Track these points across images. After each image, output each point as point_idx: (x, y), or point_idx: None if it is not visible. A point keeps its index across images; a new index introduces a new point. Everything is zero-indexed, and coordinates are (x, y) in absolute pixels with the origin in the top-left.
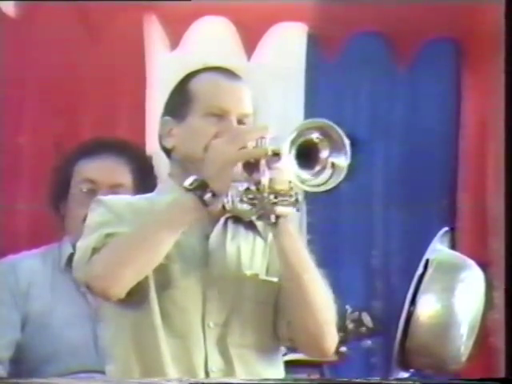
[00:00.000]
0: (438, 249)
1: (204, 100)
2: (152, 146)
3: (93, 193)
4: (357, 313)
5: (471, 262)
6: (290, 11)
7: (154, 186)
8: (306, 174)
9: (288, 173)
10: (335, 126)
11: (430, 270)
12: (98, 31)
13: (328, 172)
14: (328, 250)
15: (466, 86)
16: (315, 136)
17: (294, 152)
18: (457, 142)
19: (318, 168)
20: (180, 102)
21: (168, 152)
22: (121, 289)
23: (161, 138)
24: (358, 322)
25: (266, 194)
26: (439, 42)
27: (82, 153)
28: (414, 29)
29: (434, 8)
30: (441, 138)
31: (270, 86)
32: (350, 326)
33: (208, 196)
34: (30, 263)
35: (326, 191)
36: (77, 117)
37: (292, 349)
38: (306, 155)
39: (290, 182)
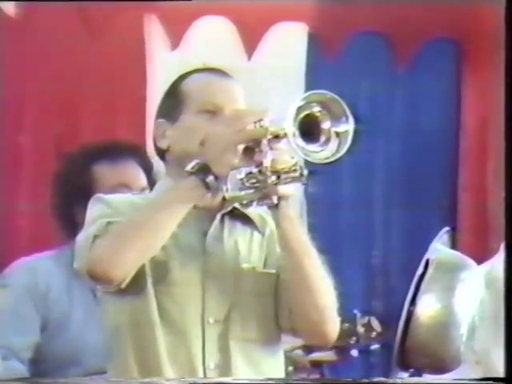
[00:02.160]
0: (439, 248)
1: (196, 98)
2: (152, 146)
3: None
4: (366, 317)
5: (471, 262)
6: (290, 11)
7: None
8: (312, 147)
9: (290, 152)
10: (335, 96)
11: (430, 270)
12: (98, 31)
13: (334, 142)
14: (328, 249)
15: (466, 86)
16: (316, 109)
17: (297, 128)
18: (457, 142)
19: (323, 139)
20: (172, 103)
21: (162, 154)
22: (122, 272)
23: (155, 140)
24: (368, 327)
25: (268, 174)
26: (439, 42)
27: (97, 157)
28: (414, 29)
29: (434, 8)
30: (441, 138)
31: (270, 85)
32: (361, 330)
33: (210, 179)
34: (47, 265)
35: (337, 161)
36: (77, 117)
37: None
38: (309, 129)
39: (292, 158)
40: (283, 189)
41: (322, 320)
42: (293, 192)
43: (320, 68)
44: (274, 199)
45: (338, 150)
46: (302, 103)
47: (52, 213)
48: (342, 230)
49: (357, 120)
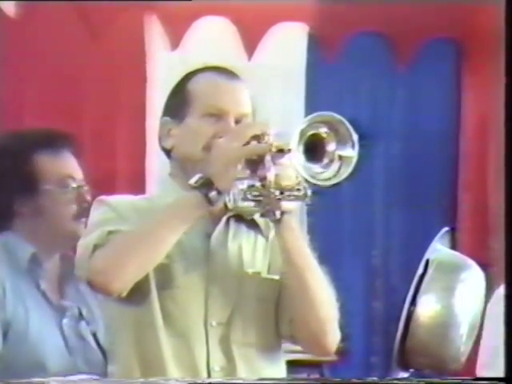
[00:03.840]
0: (439, 249)
1: (202, 100)
2: (152, 146)
3: (73, 190)
4: None
5: (471, 262)
6: (290, 11)
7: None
8: (314, 168)
9: (294, 168)
10: (342, 119)
11: (430, 270)
12: (98, 31)
13: (336, 164)
14: (328, 249)
15: (466, 86)
16: (323, 130)
17: (301, 146)
18: (457, 142)
19: (326, 161)
20: (179, 102)
21: (168, 152)
22: (122, 284)
23: (160, 138)
24: None
25: (271, 190)
26: (439, 42)
27: (37, 147)
28: (414, 29)
29: (434, 8)
30: (441, 138)
31: (270, 85)
32: None
33: (213, 194)
34: None
35: (336, 184)
36: (77, 116)
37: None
38: (314, 149)
39: (296, 177)
40: (286, 204)
41: (323, 331)
42: (296, 206)
43: (320, 68)
44: (277, 214)
45: (338, 173)
46: (308, 123)
47: None
48: (342, 230)
49: (361, 138)
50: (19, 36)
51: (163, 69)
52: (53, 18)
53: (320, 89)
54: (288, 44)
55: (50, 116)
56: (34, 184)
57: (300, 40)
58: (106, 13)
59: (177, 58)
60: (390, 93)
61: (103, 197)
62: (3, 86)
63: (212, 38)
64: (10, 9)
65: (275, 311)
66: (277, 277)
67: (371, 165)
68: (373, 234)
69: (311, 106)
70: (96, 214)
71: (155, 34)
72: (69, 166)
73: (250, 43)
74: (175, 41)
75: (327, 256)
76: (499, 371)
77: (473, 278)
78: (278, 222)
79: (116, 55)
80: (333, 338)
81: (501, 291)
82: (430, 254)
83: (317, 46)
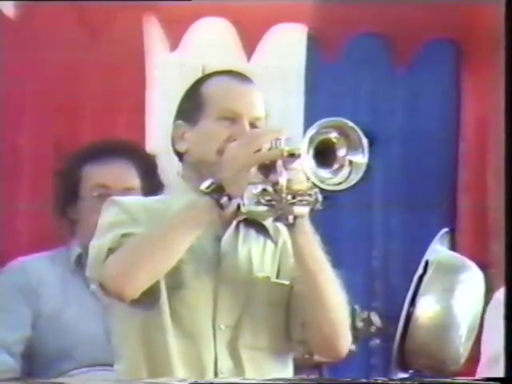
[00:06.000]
0: (438, 250)
1: (216, 104)
2: (151, 146)
3: (105, 198)
4: (366, 312)
5: (471, 263)
6: (290, 12)
7: (158, 185)
8: (324, 173)
9: (305, 173)
10: (353, 125)
11: (429, 271)
12: (97, 32)
13: (346, 170)
14: (328, 250)
15: (466, 86)
16: (333, 135)
17: (312, 151)
18: (457, 143)
19: (336, 166)
20: (192, 105)
21: (180, 155)
22: (135, 290)
23: (173, 141)
24: (368, 322)
25: (283, 195)
26: (439, 43)
27: (88, 157)
28: (414, 29)
29: (433, 8)
30: (441, 139)
31: (269, 86)
32: (360, 325)
33: (224, 199)
34: (39, 264)
35: (346, 189)
36: (77, 117)
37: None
38: (324, 154)
39: (308, 181)
40: (299, 209)
41: (335, 335)
42: (308, 210)
43: (319, 69)
44: (290, 218)
45: (348, 179)
46: (318, 128)
47: (52, 212)
48: (342, 230)
49: (371, 144)
50: (19, 36)
51: (162, 69)
52: (53, 19)
53: (319, 90)
54: (287, 45)
55: (50, 116)
56: (76, 192)
57: (299, 41)
58: (106, 13)
59: (176, 59)
60: (389, 94)
61: (115, 197)
62: (3, 86)
63: (211, 39)
64: (10, 9)
65: (284, 316)
66: (286, 282)
67: (370, 165)
68: (372, 235)
69: (311, 106)
70: (108, 215)
71: (154, 34)
72: (106, 175)
73: (250, 44)
74: (174, 42)
75: (326, 257)
76: (499, 374)
77: (472, 279)
78: (291, 226)
79: (115, 56)
80: (344, 341)
81: (500, 294)
82: (429, 255)
83: (316, 46)
